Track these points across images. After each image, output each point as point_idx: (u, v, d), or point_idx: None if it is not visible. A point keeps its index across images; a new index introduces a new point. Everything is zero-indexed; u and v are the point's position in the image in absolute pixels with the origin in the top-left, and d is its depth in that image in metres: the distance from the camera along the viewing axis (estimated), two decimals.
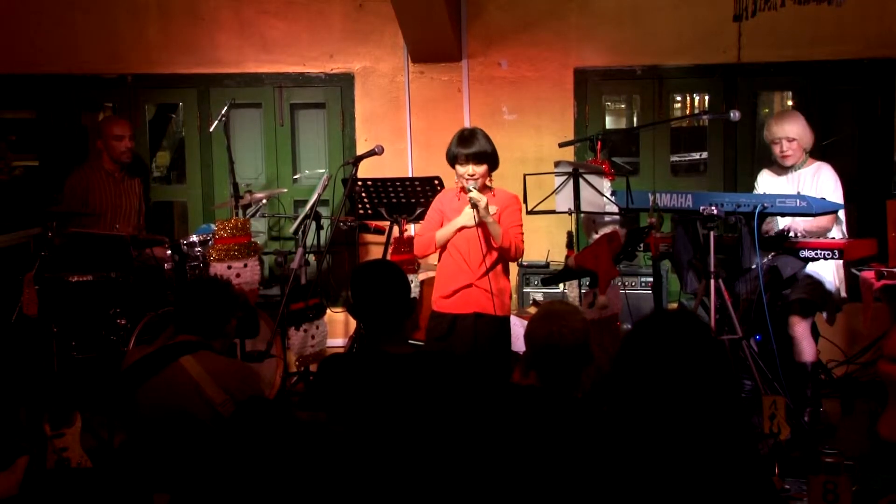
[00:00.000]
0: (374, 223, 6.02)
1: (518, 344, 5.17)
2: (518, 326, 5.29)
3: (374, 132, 6.66)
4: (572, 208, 4.82)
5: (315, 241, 5.89)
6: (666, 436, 2.31)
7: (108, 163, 5.95)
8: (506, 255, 4.48)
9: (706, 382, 2.30)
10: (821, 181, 5.08)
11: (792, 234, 4.73)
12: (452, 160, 4.50)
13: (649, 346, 2.35)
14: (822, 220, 4.91)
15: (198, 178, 6.84)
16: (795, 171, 5.16)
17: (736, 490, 2.29)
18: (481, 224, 4.37)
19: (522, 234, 4.57)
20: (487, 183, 4.53)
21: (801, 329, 4.99)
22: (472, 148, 4.42)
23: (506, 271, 4.65)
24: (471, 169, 4.42)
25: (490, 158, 4.48)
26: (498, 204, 4.49)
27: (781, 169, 5.21)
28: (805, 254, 4.70)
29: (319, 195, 5.71)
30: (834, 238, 4.92)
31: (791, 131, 5.07)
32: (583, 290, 5.08)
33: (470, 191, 4.36)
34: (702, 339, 2.35)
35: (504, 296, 4.59)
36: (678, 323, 2.39)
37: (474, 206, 4.34)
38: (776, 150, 5.14)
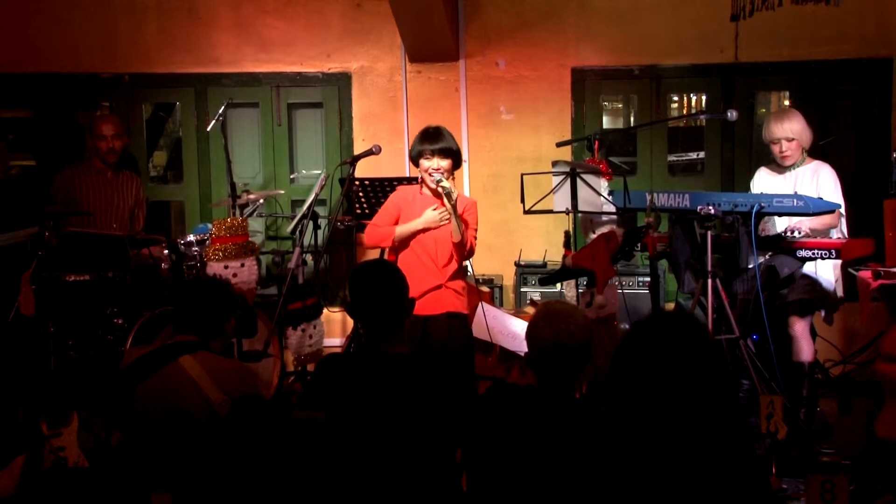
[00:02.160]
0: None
1: (515, 343, 5.18)
2: (516, 326, 5.29)
3: (371, 132, 6.66)
4: (570, 208, 4.83)
5: (312, 241, 5.89)
6: (663, 436, 2.32)
7: (98, 162, 5.93)
8: (460, 250, 4.51)
9: (703, 383, 2.30)
10: (820, 180, 5.08)
11: (797, 233, 4.73)
12: (417, 156, 4.56)
13: (647, 347, 2.35)
14: (827, 218, 4.92)
15: (195, 177, 6.84)
16: (793, 170, 5.16)
17: (732, 490, 2.29)
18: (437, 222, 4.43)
19: (476, 237, 4.64)
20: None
21: (800, 329, 4.99)
22: (439, 143, 4.51)
23: (462, 271, 4.73)
24: (436, 163, 4.50)
25: (454, 156, 4.56)
26: (459, 205, 4.51)
27: (779, 168, 5.22)
28: (802, 253, 4.71)
29: (317, 195, 5.71)
30: (833, 237, 4.93)
31: (791, 131, 5.07)
32: (580, 290, 5.09)
33: (440, 181, 4.42)
34: (699, 341, 2.35)
35: (466, 294, 4.68)
36: (675, 324, 2.39)
37: (447, 194, 4.39)
38: (776, 150, 5.14)
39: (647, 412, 2.33)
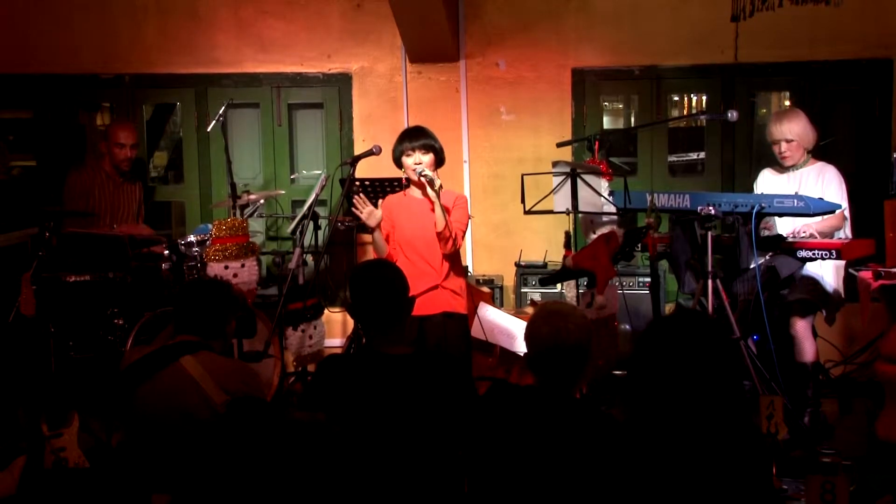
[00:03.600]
0: None
1: (515, 343, 5.17)
2: (517, 326, 5.28)
3: (371, 132, 6.65)
4: (570, 208, 4.83)
5: (313, 242, 5.89)
6: (673, 434, 2.32)
7: (109, 166, 5.95)
8: (444, 241, 4.50)
9: (723, 382, 2.31)
10: (825, 182, 5.07)
11: (806, 234, 4.73)
12: (399, 155, 4.60)
13: (669, 346, 2.35)
14: (832, 220, 4.92)
15: (195, 178, 6.84)
16: (796, 170, 5.16)
17: (737, 489, 2.30)
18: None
19: (464, 232, 4.64)
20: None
21: (801, 329, 4.99)
22: (420, 140, 4.56)
23: (461, 270, 4.72)
24: (418, 157, 4.53)
25: (437, 152, 4.59)
26: (445, 203, 4.52)
27: (783, 168, 5.21)
28: (803, 254, 4.71)
29: (317, 195, 5.71)
30: (839, 238, 4.92)
31: (790, 132, 5.06)
32: (580, 291, 5.09)
33: (423, 171, 4.46)
34: (721, 340, 2.35)
35: (464, 294, 4.69)
36: (697, 324, 2.39)
37: (430, 182, 4.41)
38: (776, 150, 5.14)
39: (664, 409, 2.33)
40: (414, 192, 4.65)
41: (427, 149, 4.54)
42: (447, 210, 4.49)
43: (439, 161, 4.62)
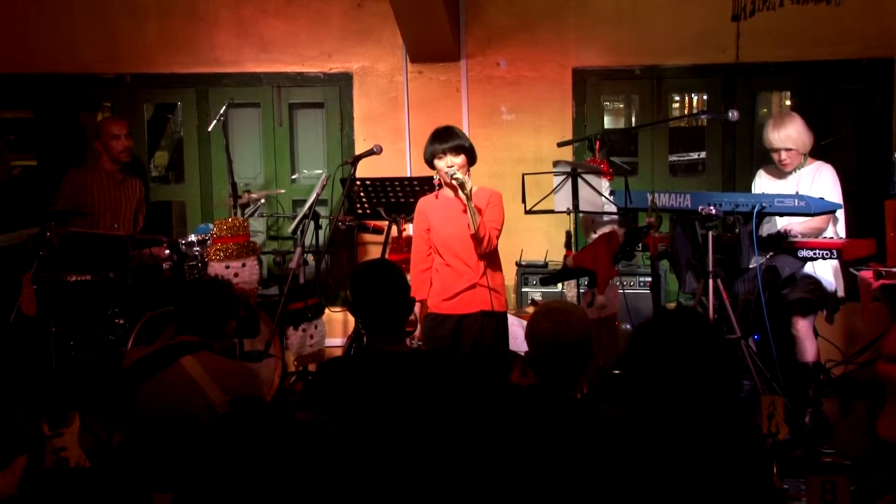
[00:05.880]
0: (372, 223, 6.02)
1: (516, 343, 5.17)
2: (517, 326, 5.29)
3: (372, 132, 6.65)
4: (571, 208, 4.83)
5: (314, 241, 5.89)
6: (671, 433, 2.31)
7: (108, 164, 5.95)
8: (479, 243, 4.47)
9: (717, 382, 2.31)
10: (819, 181, 5.07)
11: (789, 234, 4.73)
12: (430, 158, 4.56)
13: (660, 345, 2.35)
14: (817, 221, 4.91)
15: (196, 177, 6.84)
16: (795, 172, 5.15)
17: (738, 488, 2.30)
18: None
19: (499, 230, 4.59)
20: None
21: (803, 329, 4.99)
22: (450, 142, 4.51)
23: (500, 267, 4.67)
24: (449, 160, 4.49)
25: (467, 151, 4.55)
26: (479, 202, 4.50)
27: (780, 171, 5.21)
28: (803, 254, 4.71)
29: (318, 195, 5.71)
30: (828, 238, 4.91)
31: (789, 140, 5.04)
32: (581, 290, 5.09)
33: (454, 174, 4.43)
34: (712, 339, 2.35)
35: (503, 291, 4.65)
36: (688, 323, 2.39)
37: (461, 185, 4.39)
38: (775, 157, 5.12)
39: (659, 411, 2.33)
40: (447, 192, 4.63)
41: (458, 150, 4.50)
42: (479, 210, 4.47)
43: (471, 160, 4.58)
